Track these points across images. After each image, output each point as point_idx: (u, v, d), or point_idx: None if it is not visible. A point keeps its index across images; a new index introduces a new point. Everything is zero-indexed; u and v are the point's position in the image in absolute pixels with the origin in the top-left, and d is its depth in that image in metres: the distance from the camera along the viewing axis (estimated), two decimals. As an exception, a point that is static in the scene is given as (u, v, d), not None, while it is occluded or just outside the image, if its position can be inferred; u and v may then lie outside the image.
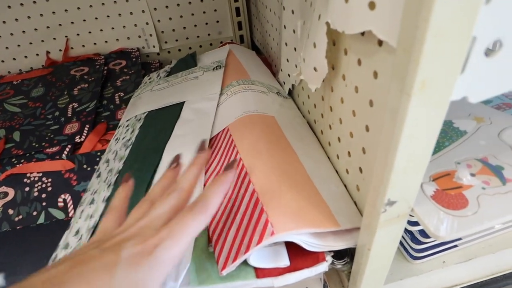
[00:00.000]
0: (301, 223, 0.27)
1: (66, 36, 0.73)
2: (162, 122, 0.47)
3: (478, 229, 0.21)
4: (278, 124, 0.41)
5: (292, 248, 0.29)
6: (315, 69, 0.31)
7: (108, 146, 0.50)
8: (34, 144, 0.52)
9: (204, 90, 0.50)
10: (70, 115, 0.58)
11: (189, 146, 0.38)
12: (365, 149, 0.28)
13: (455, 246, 0.36)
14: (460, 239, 0.34)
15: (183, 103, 0.49)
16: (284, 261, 0.28)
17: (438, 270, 0.36)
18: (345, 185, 0.35)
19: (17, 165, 0.49)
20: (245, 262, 0.28)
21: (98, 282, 0.17)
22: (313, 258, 0.28)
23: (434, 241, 0.34)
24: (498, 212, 0.23)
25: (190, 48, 0.80)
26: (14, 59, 0.73)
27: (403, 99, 0.16)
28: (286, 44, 0.47)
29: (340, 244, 0.29)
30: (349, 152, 0.32)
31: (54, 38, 0.73)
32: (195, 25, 0.77)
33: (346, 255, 0.33)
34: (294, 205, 0.29)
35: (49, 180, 0.47)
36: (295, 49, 0.43)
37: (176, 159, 0.29)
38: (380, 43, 0.22)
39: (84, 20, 0.72)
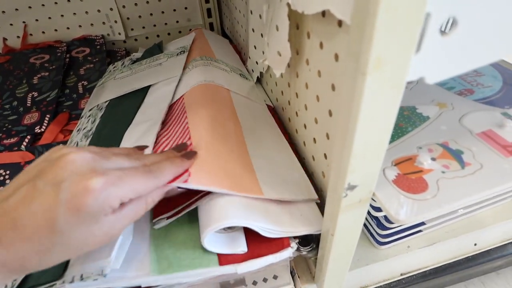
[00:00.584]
0: (219, 182, 0.27)
1: (24, 22, 0.68)
2: (123, 110, 0.45)
3: (437, 212, 0.21)
4: (231, 97, 0.41)
5: (257, 235, 0.28)
6: (279, 53, 0.30)
7: (70, 137, 0.48)
8: (-14, 136, 0.49)
9: (166, 74, 0.49)
10: (29, 105, 0.54)
11: (146, 133, 0.37)
12: (329, 135, 0.28)
13: (420, 231, 0.36)
14: (424, 223, 0.34)
15: (147, 90, 0.48)
16: (241, 247, 0.28)
17: (403, 254, 0.36)
18: (311, 173, 0.35)
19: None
20: (207, 250, 0.27)
21: (41, 227, 0.17)
22: (278, 244, 0.28)
23: (399, 226, 0.34)
24: (456, 195, 0.23)
25: (158, 36, 0.77)
26: (-32, 46, 0.68)
27: (359, 79, 0.16)
28: (253, 30, 0.45)
29: (299, 230, 0.29)
30: (314, 139, 0.32)
31: (11, 24, 0.68)
32: (163, 12, 0.74)
33: (312, 242, 0.33)
34: (220, 166, 0.29)
35: (7, 172, 0.44)
36: (261, 35, 0.42)
37: (142, 148, 0.28)
38: (340, 23, 0.21)
39: (43, 5, 0.67)
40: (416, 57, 0.16)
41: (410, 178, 0.23)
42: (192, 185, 0.25)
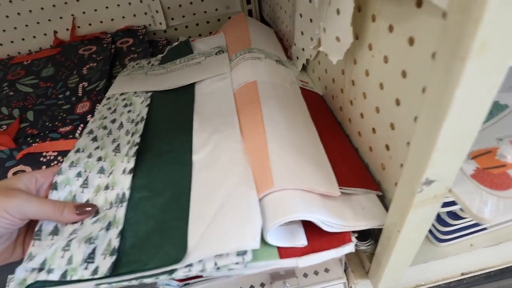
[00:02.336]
0: None
1: (72, 15, 0.71)
2: (175, 103, 0.45)
3: (525, 211, 0.19)
4: (256, 88, 0.40)
5: (317, 229, 0.27)
6: (337, 39, 0.29)
7: (98, 111, 0.48)
8: (47, 123, 0.51)
9: (213, 71, 0.49)
10: (80, 95, 0.56)
11: (216, 125, 0.38)
12: (394, 125, 0.26)
13: (484, 229, 0.34)
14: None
15: (193, 87, 0.48)
16: (301, 240, 0.27)
17: (465, 253, 0.34)
18: (367, 164, 0.33)
19: (33, 144, 0.48)
20: (267, 243, 0.26)
21: None
22: (339, 238, 0.27)
23: (463, 223, 0.32)
24: (545, 192, 0.21)
25: (197, 24, 0.77)
26: (23, 39, 0.72)
27: (457, 64, 0.14)
28: (300, 16, 0.44)
29: (361, 224, 0.28)
30: (373, 129, 0.30)
31: (61, 17, 0.71)
32: (202, 0, 0.73)
33: (370, 237, 0.31)
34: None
35: (64, 159, 0.46)
36: (311, 20, 0.40)
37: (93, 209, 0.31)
38: (419, 4, 0.19)
39: (89, -3, 0.69)
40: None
41: (492, 173, 0.21)
42: None
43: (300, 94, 0.42)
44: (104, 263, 0.25)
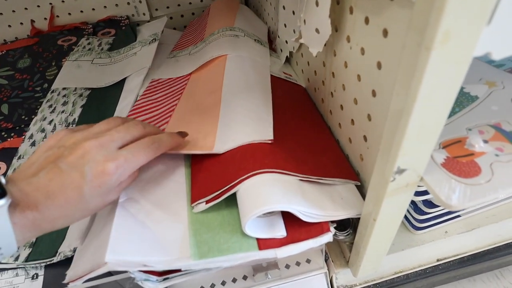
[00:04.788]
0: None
1: (50, 3, 0.69)
2: (105, 105, 0.48)
3: (492, 197, 0.20)
4: (225, 60, 0.43)
5: (295, 219, 0.28)
6: (317, 30, 0.29)
7: (40, 109, 0.50)
8: (23, 117, 0.50)
9: (138, 65, 0.51)
10: (58, 88, 0.55)
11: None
12: (371, 116, 0.26)
13: (458, 216, 0.35)
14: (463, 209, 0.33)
15: (123, 82, 0.50)
16: (280, 231, 0.27)
17: (440, 240, 0.35)
18: (347, 155, 0.34)
19: (8, 139, 0.47)
20: (245, 234, 0.27)
21: (71, 197, 0.23)
22: (317, 228, 0.27)
23: (438, 211, 0.33)
24: None
25: (182, 16, 0.75)
26: (-3, 28, 0.69)
27: (422, 54, 0.14)
28: (284, 8, 0.44)
29: (340, 214, 0.28)
30: (352, 120, 0.31)
31: (38, 6, 0.68)
32: (187, -9, 0.72)
33: (349, 226, 0.32)
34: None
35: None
36: (293, 12, 0.41)
37: (184, 134, 0.33)
38: (392, -4, 0.20)
39: (69, -14, 0.67)
40: (485, 30, 0.15)
41: (461, 162, 0.22)
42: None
43: (268, 67, 0.45)
44: None
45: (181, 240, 0.27)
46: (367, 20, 0.23)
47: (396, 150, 0.19)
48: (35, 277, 0.33)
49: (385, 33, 0.21)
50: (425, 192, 0.29)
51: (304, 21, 0.31)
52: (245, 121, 0.33)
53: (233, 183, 0.27)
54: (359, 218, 0.29)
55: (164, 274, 0.27)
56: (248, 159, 0.29)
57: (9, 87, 0.56)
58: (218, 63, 0.44)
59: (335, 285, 0.36)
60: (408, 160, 0.20)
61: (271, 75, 0.42)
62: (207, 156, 0.32)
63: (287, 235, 0.27)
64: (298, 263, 0.36)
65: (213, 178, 0.29)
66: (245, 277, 0.35)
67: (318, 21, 0.28)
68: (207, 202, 0.28)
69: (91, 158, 0.24)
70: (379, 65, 0.23)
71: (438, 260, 0.37)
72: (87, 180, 0.23)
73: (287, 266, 0.35)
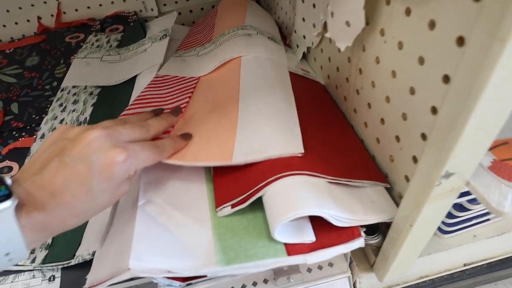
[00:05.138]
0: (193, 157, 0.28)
1: (57, 0, 0.67)
2: (116, 102, 0.47)
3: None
4: (240, 62, 0.41)
5: (323, 223, 0.26)
6: (347, 23, 0.27)
7: (50, 108, 0.49)
8: (34, 116, 0.49)
9: (149, 62, 0.50)
10: (68, 85, 0.54)
11: None
12: (407, 115, 0.25)
13: (488, 220, 0.34)
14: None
15: (134, 80, 0.49)
16: (309, 236, 0.26)
17: (468, 244, 0.34)
18: (373, 156, 0.32)
19: (19, 139, 0.46)
20: (272, 239, 0.25)
21: (78, 193, 0.21)
22: (348, 233, 0.26)
23: (467, 215, 0.31)
24: None
25: (191, 11, 0.74)
26: (4, 26, 0.68)
27: (494, 46, 0.13)
28: (302, 1, 0.42)
29: (371, 218, 0.27)
30: (382, 119, 0.29)
31: (45, 2, 0.67)
32: (196, -15, 0.71)
33: (377, 230, 0.31)
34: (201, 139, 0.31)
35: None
36: (314, 5, 0.39)
37: (189, 136, 0.31)
38: (442, -16, 0.18)
39: (75, -19, 0.66)
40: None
41: (509, 165, 0.21)
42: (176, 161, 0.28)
43: (286, 66, 0.42)
44: None
45: (206, 245, 0.25)
46: (408, 11, 0.22)
47: (448, 153, 0.17)
48: (52, 279, 0.33)
49: (432, 25, 0.20)
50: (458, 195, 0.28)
51: (332, 13, 0.30)
52: (268, 130, 0.30)
53: (259, 186, 0.26)
54: (387, 222, 0.27)
55: (187, 279, 0.26)
56: (274, 160, 0.27)
57: (18, 85, 0.55)
58: (232, 65, 0.42)
59: (358, 289, 0.35)
60: (458, 164, 0.18)
61: (289, 72, 0.41)
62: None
63: (316, 240, 0.26)
64: (320, 267, 0.34)
65: (237, 180, 0.28)
66: (265, 281, 0.34)
67: (350, 13, 0.26)
68: (232, 206, 0.27)
69: (98, 146, 0.22)
70: (421, 60, 0.22)
71: (465, 265, 0.36)
72: (95, 172, 0.21)
73: (309, 270, 0.34)
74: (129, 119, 0.29)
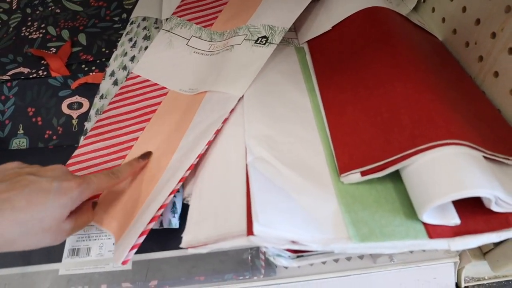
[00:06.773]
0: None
1: None
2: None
3: None
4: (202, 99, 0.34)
5: (466, 205, 0.22)
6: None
7: (120, 42, 0.45)
8: (103, 49, 0.45)
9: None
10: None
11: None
12: None
13: None
14: None
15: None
16: (454, 218, 0.22)
17: None
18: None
19: (90, 73, 0.43)
20: (412, 219, 0.22)
21: (36, 200, 0.23)
22: (501, 220, 0.22)
23: None
24: None
25: None
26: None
27: None
28: None
29: None
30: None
31: None
32: None
33: None
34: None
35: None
36: None
37: (147, 155, 0.32)
38: None
39: None
40: None
41: None
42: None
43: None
44: None
45: (333, 216, 0.22)
46: None
47: None
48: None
49: None
50: None
51: None
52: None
53: (407, 153, 0.21)
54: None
55: (298, 251, 0.23)
56: (424, 122, 0.23)
57: (84, 14, 0.51)
58: (197, 97, 0.35)
59: (462, 275, 0.32)
60: None
61: (407, 19, 0.34)
62: (350, 111, 0.26)
63: (461, 224, 0.22)
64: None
65: (368, 142, 0.23)
66: (361, 256, 0.31)
67: None
68: (363, 173, 0.23)
69: (59, 173, 0.25)
70: None
71: None
72: (54, 189, 0.24)
73: (411, 250, 0.31)
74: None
